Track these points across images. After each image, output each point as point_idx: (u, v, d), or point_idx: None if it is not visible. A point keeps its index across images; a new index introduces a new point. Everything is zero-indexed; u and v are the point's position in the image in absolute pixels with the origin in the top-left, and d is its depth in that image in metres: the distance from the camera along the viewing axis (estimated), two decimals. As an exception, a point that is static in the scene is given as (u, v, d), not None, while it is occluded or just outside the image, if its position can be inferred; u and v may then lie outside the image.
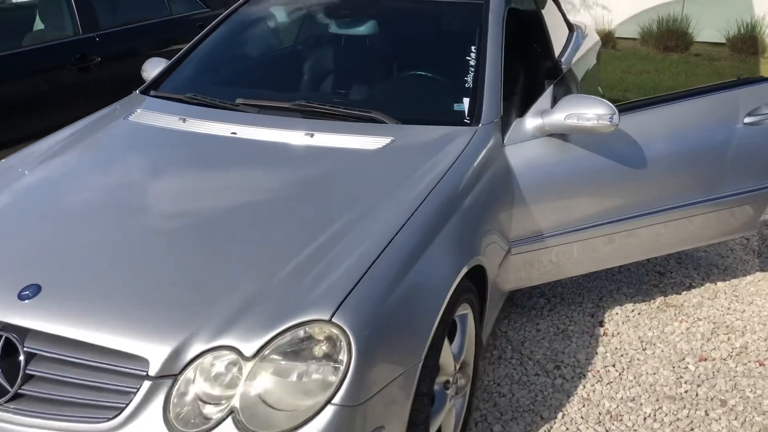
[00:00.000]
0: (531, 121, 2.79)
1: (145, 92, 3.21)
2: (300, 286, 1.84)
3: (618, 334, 3.25)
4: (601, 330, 3.27)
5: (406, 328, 1.92)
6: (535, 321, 3.34)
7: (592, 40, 5.08)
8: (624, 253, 3.10)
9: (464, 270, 2.22)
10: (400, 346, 1.89)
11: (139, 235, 2.06)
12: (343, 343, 1.75)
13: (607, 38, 9.42)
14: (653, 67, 8.02)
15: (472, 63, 2.90)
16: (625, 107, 2.97)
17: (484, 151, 2.61)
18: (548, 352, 3.10)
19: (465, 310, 2.37)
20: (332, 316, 1.77)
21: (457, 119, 2.73)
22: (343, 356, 1.75)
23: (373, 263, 1.93)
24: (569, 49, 4.24)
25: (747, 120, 3.08)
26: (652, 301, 3.53)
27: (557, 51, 4.05)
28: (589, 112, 2.67)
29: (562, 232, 2.89)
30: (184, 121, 2.76)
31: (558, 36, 4.23)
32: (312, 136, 2.57)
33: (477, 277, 2.47)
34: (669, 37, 9.42)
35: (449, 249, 2.20)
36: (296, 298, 1.81)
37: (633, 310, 3.44)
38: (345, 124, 2.67)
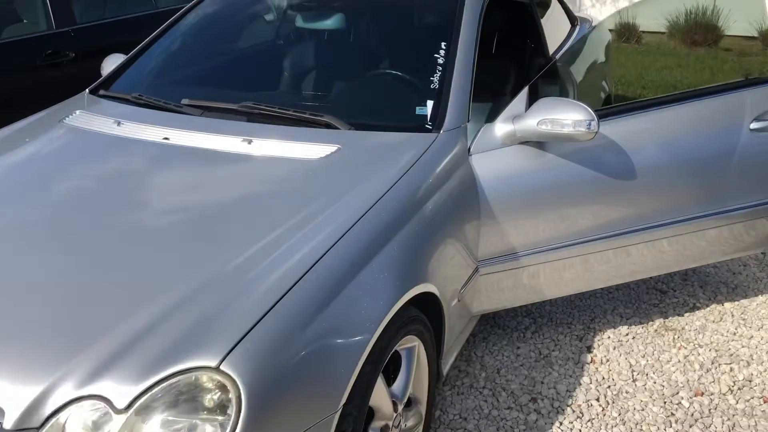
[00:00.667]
0: (501, 127, 2.49)
1: (95, 91, 2.98)
2: (190, 324, 1.58)
3: (607, 361, 2.93)
4: (589, 356, 2.96)
5: (320, 372, 1.65)
6: (515, 344, 3.04)
7: (601, 34, 4.73)
8: (611, 273, 2.78)
9: (405, 298, 1.94)
10: (310, 394, 1.62)
11: (20, 260, 1.82)
12: (232, 396, 1.49)
13: (631, 32, 9.00)
14: (676, 63, 7.58)
15: (440, 61, 2.61)
16: (614, 111, 2.65)
17: (445, 161, 2.32)
18: (525, 382, 2.79)
19: (411, 342, 2.09)
20: (220, 363, 1.50)
21: (417, 124, 2.44)
22: (231, 411, 1.48)
23: (283, 296, 1.66)
24: (568, 45, 3.90)
25: (754, 126, 2.74)
26: (650, 323, 3.20)
27: (554, 46, 3.73)
28: (565, 118, 2.36)
29: (538, 251, 2.59)
30: (118, 124, 2.52)
31: (555, 31, 3.90)
32: (250, 142, 2.30)
33: (432, 303, 2.20)
34: (696, 30, 8.95)
35: (387, 275, 1.92)
36: (184, 339, 1.55)
37: (627, 334, 3.12)
38: (291, 130, 2.40)
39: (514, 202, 2.48)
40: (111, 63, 3.23)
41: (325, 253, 1.81)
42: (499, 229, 2.49)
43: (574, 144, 2.52)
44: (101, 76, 3.15)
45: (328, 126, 2.41)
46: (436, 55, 2.63)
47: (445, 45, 2.66)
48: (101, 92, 2.94)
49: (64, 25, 4.31)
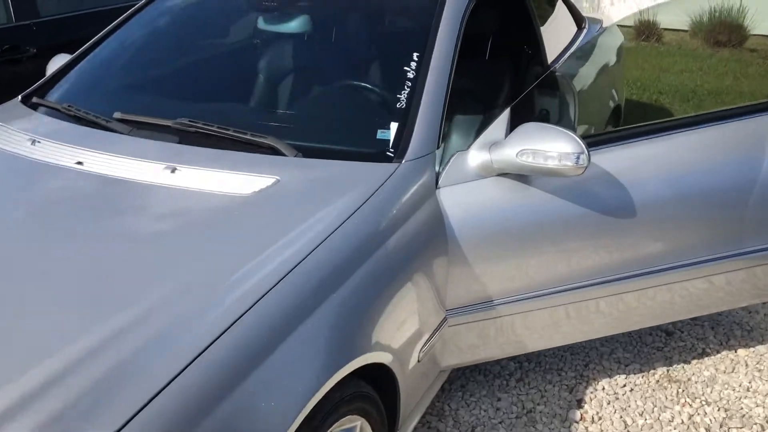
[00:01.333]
0: (475, 156, 2.11)
1: (27, 99, 2.64)
2: (72, 399, 1.24)
3: (599, 419, 2.56)
4: (579, 413, 2.59)
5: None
6: (496, 395, 2.67)
7: (612, 36, 4.33)
8: (607, 324, 2.41)
9: (340, 375, 1.59)
10: None
11: None
12: None
13: (651, 30, 8.53)
14: (697, 66, 7.12)
15: (410, 75, 2.24)
16: (612, 138, 2.27)
17: (405, 197, 1.96)
18: (503, 444, 2.44)
19: (351, 423, 1.74)
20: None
21: (377, 151, 2.08)
22: None
23: (164, 387, 1.31)
24: (571, 51, 3.51)
25: (777, 156, 2.35)
26: (652, 372, 2.82)
27: (557, 51, 3.34)
28: (549, 149, 1.98)
29: (518, 299, 2.22)
30: (33, 143, 2.17)
31: (557, 34, 3.51)
32: (173, 171, 1.95)
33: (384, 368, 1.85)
34: (721, 30, 8.46)
35: (316, 346, 1.56)
36: (67, 414, 1.22)
37: (625, 385, 2.74)
38: (227, 155, 2.04)
39: (490, 244, 2.11)
40: (55, 65, 2.89)
41: (233, 324, 1.46)
42: (472, 274, 2.12)
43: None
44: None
45: (272, 150, 2.05)
46: (406, 68, 2.26)
47: (417, 56, 2.28)
48: (34, 100, 2.60)
49: (24, 17, 3.98)
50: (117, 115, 2.29)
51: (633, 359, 2.90)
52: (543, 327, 2.31)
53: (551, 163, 1.98)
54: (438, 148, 2.13)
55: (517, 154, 2.02)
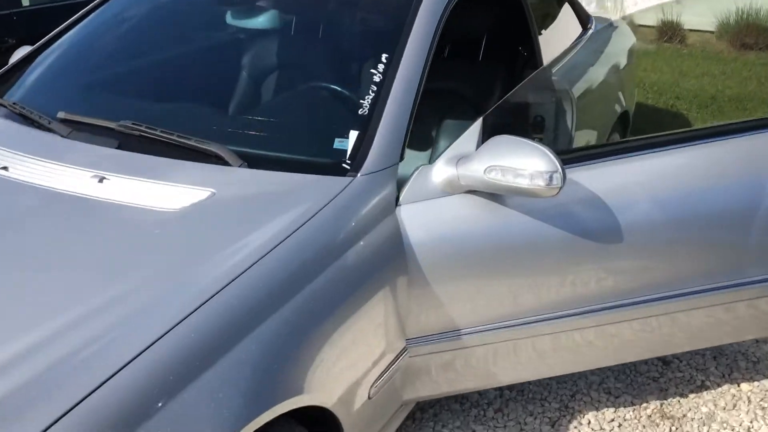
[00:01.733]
0: (441, 171, 1.90)
1: (-22, 93, 2.48)
2: None
3: (581, 458, 2.35)
4: (559, 451, 2.38)
5: None
6: (471, 427, 2.46)
7: (621, 36, 4.07)
8: (590, 356, 2.19)
9: (261, 420, 1.40)
10: None
11: None
12: None
13: (674, 31, 8.21)
14: (720, 70, 6.81)
15: (376, 79, 2.03)
16: (596, 154, 2.05)
17: (359, 214, 1.76)
18: (472, 484, 2.23)
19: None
20: None
21: (332, 162, 1.88)
22: None
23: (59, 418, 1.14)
24: (573, 52, 3.27)
25: (785, 177, 2.11)
26: (644, 405, 2.59)
27: (557, 52, 3.11)
28: (520, 166, 1.77)
29: (488, 328, 2.01)
30: (-38, 144, 2.01)
31: (558, 35, 3.28)
32: (101, 180, 1.77)
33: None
34: (748, 32, 8.11)
35: (235, 387, 1.37)
36: None
37: (613, 420, 2.52)
38: (166, 163, 1.85)
39: (457, 268, 1.91)
40: (16, 58, 2.73)
41: (132, 359, 1.27)
42: (436, 301, 1.92)
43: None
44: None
45: (217, 159, 1.86)
46: (372, 71, 2.05)
47: (386, 57, 2.08)
48: (-14, 95, 2.43)
49: (5, 7, 3.83)
50: (61, 114, 2.11)
51: (624, 390, 2.67)
52: (516, 359, 2.10)
53: (522, 182, 1.76)
54: (401, 160, 1.92)
55: (485, 171, 1.81)
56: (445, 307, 1.93)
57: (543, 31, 3.26)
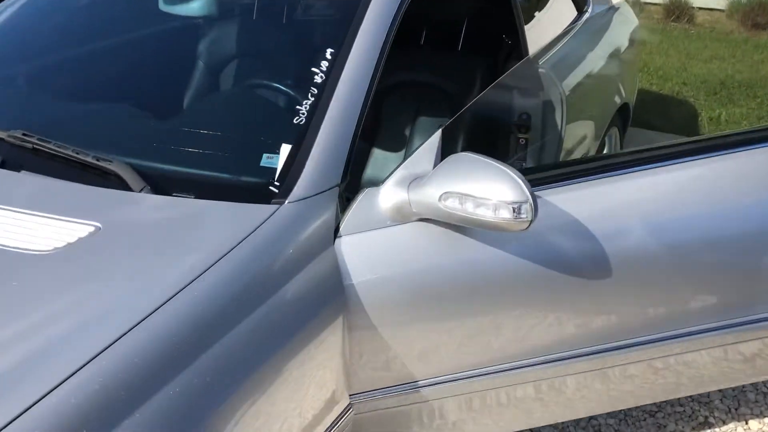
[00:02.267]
0: (390, 195, 1.57)
1: None
2: None
3: None
4: (538, 505, 2.06)
5: None
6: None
7: (623, 20, 3.70)
8: (572, 406, 1.87)
9: None
10: None
11: None
12: None
13: (682, 9, 7.79)
14: (729, 52, 6.41)
15: (317, 80, 1.69)
16: (580, 171, 1.71)
17: (286, 251, 1.43)
18: None
19: None
20: None
21: (256, 184, 1.55)
22: None
23: None
24: (565, 41, 2.92)
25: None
26: (638, 446, 2.28)
27: (543, 42, 2.76)
28: (482, 193, 1.43)
29: (448, 379, 1.69)
30: None
31: (548, 21, 2.93)
32: (-36, 212, 1.44)
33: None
34: (760, 11, 7.69)
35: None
36: None
37: (602, 465, 2.21)
38: (56, 186, 1.52)
39: (408, 311, 1.58)
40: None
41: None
42: (385, 350, 1.59)
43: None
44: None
45: (118, 180, 1.53)
46: (314, 69, 1.71)
47: (331, 52, 1.73)
48: None
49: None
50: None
51: (617, 427, 2.35)
52: (488, 412, 1.78)
53: (484, 214, 1.43)
54: (343, 181, 1.59)
55: (440, 198, 1.47)
56: (397, 356, 1.61)
57: (533, 15, 2.91)
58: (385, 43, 1.78)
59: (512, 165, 2.68)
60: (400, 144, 2.77)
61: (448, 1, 2.63)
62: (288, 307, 1.42)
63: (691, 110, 4.79)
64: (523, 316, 1.67)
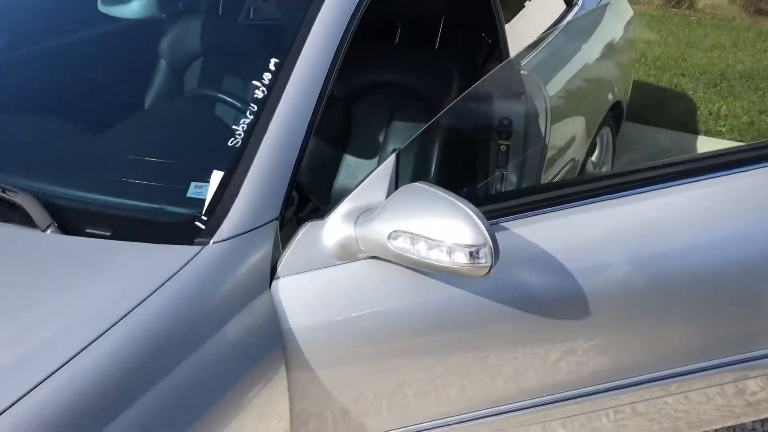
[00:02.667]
0: (335, 230, 1.37)
1: None
2: None
3: None
4: None
5: None
6: None
7: (618, 14, 3.49)
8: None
9: None
10: None
11: None
12: None
13: (683, -5, 7.53)
14: (731, 41, 6.17)
15: (257, 95, 1.49)
16: (556, 199, 1.51)
17: (211, 300, 1.24)
18: None
19: None
20: None
21: (178, 222, 1.35)
22: None
23: None
24: (551, 38, 2.71)
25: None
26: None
27: (527, 40, 2.56)
28: (435, 234, 1.24)
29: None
30: None
31: (533, 17, 2.72)
32: None
33: None
34: (763, -4, 7.43)
35: None
36: None
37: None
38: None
39: (358, 362, 1.39)
40: None
41: None
42: (332, 407, 1.41)
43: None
44: None
45: (23, 216, 1.34)
46: (255, 83, 1.51)
47: (275, 65, 1.53)
48: None
49: None
50: None
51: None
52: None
53: (437, 257, 1.24)
54: (285, 212, 1.39)
55: (389, 236, 1.28)
56: (345, 412, 1.42)
57: (517, 11, 2.71)
58: (338, 51, 1.58)
59: (494, 173, 2.52)
60: (374, 150, 2.58)
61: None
62: (215, 363, 1.23)
63: (690, 104, 4.57)
64: (490, 361, 1.48)
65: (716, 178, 1.53)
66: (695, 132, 4.15)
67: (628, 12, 3.62)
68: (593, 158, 3.28)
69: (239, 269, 1.30)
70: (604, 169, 3.40)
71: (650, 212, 1.52)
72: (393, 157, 1.42)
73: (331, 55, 1.57)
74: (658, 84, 4.91)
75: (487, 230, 1.21)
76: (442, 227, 1.23)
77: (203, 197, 1.37)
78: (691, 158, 1.66)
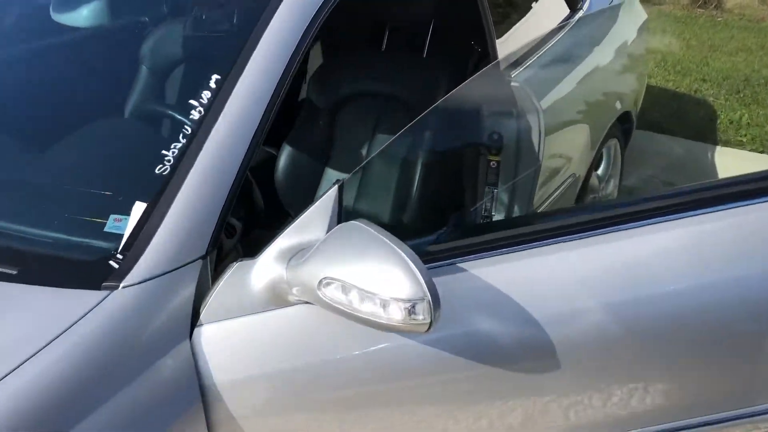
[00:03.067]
0: (266, 272, 1.22)
1: None
2: None
3: None
4: None
5: None
6: None
7: (629, 17, 3.29)
8: None
9: None
10: None
11: None
12: None
13: (712, -7, 7.24)
14: (758, 43, 5.89)
15: (194, 116, 1.34)
16: (522, 237, 1.34)
17: (118, 354, 1.10)
18: None
19: None
20: None
21: (90, 261, 1.21)
22: None
23: None
24: (549, 45, 2.53)
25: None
26: None
27: (520, 46, 2.39)
28: (368, 284, 1.08)
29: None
30: None
31: (531, 22, 2.54)
32: None
33: None
34: (794, -4, 7.13)
35: None
36: None
37: None
38: None
39: (294, 421, 1.24)
40: None
41: None
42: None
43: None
44: None
45: None
46: (192, 102, 1.36)
47: (216, 82, 1.38)
48: None
49: None
50: None
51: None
52: None
53: (371, 310, 1.08)
54: (210, 251, 1.24)
55: (320, 283, 1.12)
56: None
57: (509, 16, 2.54)
58: (289, 66, 1.43)
59: (483, 192, 2.34)
60: (357, 163, 2.42)
61: (411, 2, 2.26)
62: (121, 427, 1.09)
63: (709, 111, 4.34)
64: (442, 417, 1.32)
65: (708, 214, 1.35)
66: (714, 142, 3.92)
67: (642, 15, 3.42)
68: (599, 172, 3.09)
69: (153, 317, 1.16)
70: (611, 183, 3.21)
71: (633, 252, 1.35)
72: (335, 188, 1.26)
73: (281, 70, 1.41)
74: (677, 90, 4.68)
75: (427, 282, 1.05)
76: (376, 277, 1.07)
77: (121, 232, 1.23)
78: (678, 191, 1.47)
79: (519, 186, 2.30)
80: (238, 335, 1.21)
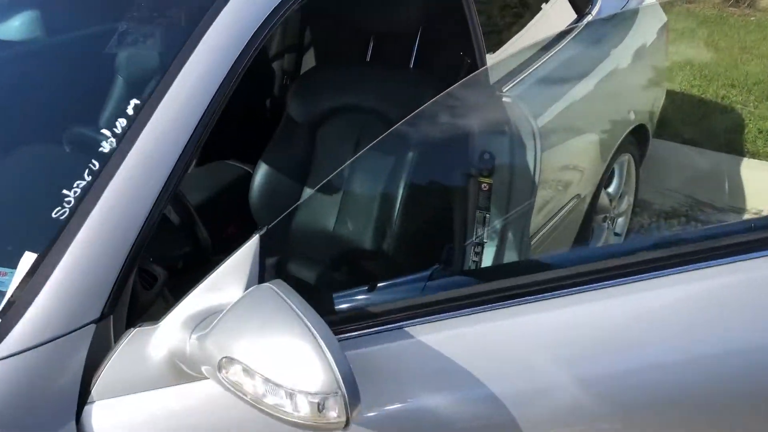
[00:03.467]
0: (167, 341, 1.02)
1: None
2: None
3: None
4: None
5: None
6: None
7: (646, 21, 3.04)
8: None
9: None
10: None
11: None
12: None
13: (742, -9, 6.89)
14: (792, 45, 5.56)
15: (104, 149, 1.16)
16: (478, 297, 1.13)
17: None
18: None
19: None
20: None
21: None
22: None
23: None
24: (551, 53, 2.30)
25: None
26: None
27: (519, 60, 2.17)
28: (272, 371, 0.88)
29: None
30: None
31: (530, 28, 2.32)
32: None
33: None
34: (833, -6, 6.74)
35: None
36: None
37: None
38: None
39: None
40: None
41: None
42: None
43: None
44: None
45: None
46: (104, 132, 1.17)
47: (134, 109, 1.19)
48: None
49: None
50: None
51: None
52: None
53: (276, 402, 0.88)
54: (106, 313, 1.05)
55: (219, 364, 0.92)
56: None
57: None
58: (222, 89, 1.23)
59: (474, 216, 2.13)
60: (337, 183, 2.23)
61: (396, 10, 2.06)
62: None
63: (737, 120, 4.05)
64: None
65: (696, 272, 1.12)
66: (741, 153, 3.65)
67: (661, 18, 3.16)
68: (610, 190, 2.85)
69: (33, 394, 0.97)
70: (624, 201, 2.97)
71: (618, 314, 1.13)
72: (256, 238, 1.06)
73: (211, 94, 1.22)
74: (702, 96, 4.39)
75: (341, 369, 0.84)
76: (280, 361, 0.87)
77: (5, 290, 1.05)
78: (665, 241, 1.25)
79: (514, 211, 2.09)
80: (133, 415, 1.02)
